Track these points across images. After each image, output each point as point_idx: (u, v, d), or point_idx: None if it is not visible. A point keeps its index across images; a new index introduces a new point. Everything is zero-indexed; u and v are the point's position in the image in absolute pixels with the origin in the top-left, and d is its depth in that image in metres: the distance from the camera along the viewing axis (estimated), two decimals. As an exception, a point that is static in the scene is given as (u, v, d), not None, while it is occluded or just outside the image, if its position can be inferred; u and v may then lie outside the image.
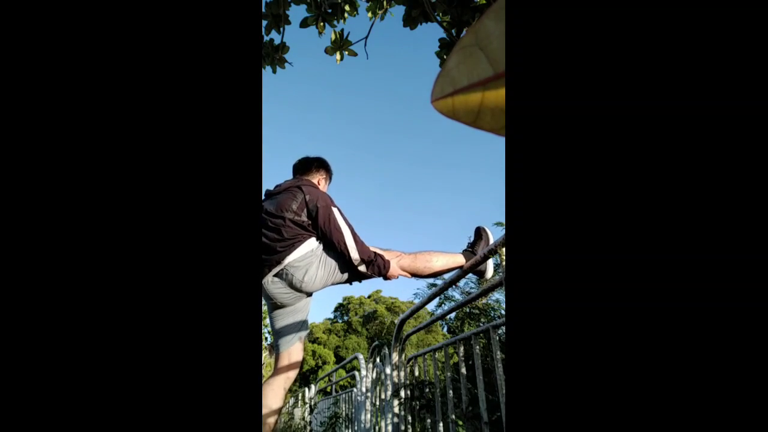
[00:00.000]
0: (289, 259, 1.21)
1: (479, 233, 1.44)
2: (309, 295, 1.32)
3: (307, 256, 1.23)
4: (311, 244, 1.24)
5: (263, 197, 1.33)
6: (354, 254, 1.24)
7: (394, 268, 1.32)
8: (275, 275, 1.24)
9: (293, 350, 1.29)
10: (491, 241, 1.41)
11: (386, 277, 1.33)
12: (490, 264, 1.37)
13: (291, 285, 1.24)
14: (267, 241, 1.21)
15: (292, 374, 1.27)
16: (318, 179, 1.42)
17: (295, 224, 1.21)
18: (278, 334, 1.30)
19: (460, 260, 1.40)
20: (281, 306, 1.30)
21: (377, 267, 1.27)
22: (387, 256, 1.32)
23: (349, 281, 1.31)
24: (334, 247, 1.24)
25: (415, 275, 1.38)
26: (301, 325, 1.31)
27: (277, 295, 1.25)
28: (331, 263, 1.27)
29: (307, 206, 1.23)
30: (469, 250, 1.42)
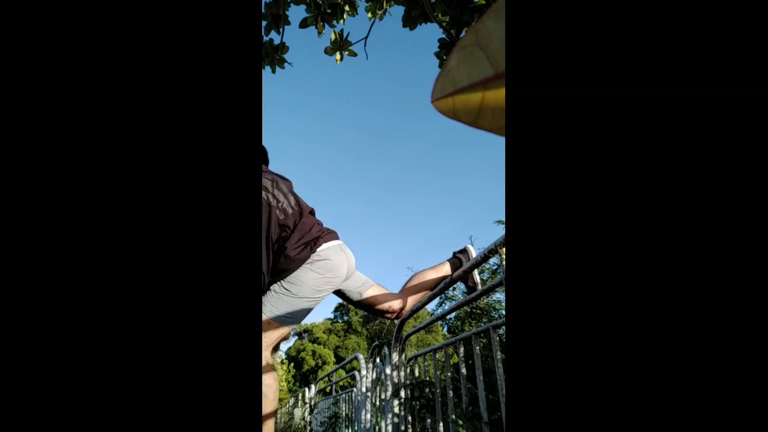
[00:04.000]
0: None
1: (464, 249, 1.54)
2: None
3: None
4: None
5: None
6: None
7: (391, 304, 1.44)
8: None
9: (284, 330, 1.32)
10: (473, 254, 1.50)
11: (389, 316, 1.46)
12: (476, 275, 1.46)
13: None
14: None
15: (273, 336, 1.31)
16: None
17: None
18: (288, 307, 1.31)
19: (446, 269, 1.49)
20: (311, 286, 1.30)
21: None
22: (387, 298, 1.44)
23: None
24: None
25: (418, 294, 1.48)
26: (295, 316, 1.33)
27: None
28: None
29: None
30: (456, 258, 1.50)
